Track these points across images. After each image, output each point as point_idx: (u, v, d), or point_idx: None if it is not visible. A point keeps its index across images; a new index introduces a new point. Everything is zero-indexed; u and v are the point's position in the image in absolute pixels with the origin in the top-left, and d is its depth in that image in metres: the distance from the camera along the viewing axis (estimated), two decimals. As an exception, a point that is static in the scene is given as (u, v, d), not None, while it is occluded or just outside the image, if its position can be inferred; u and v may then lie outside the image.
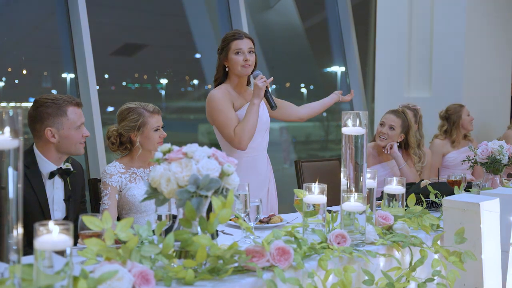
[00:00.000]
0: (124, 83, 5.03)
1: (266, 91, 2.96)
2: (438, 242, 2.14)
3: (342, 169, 2.09)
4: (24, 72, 4.23)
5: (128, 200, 2.68)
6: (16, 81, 4.22)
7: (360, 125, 2.07)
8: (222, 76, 3.09)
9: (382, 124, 3.66)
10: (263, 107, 3.12)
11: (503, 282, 2.25)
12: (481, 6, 5.31)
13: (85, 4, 3.93)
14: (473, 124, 4.76)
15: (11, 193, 1.24)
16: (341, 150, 2.09)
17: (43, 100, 2.42)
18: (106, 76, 4.66)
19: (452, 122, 4.70)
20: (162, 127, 2.78)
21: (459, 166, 4.53)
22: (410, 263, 2.05)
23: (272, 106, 2.98)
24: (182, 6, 5.15)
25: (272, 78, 2.99)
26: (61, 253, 1.28)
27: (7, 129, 1.26)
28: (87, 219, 1.57)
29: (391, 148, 3.61)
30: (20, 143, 1.28)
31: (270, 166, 3.19)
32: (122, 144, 2.75)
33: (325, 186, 2.03)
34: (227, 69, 3.06)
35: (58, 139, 2.40)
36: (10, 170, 1.25)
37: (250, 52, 3.02)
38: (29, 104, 4.19)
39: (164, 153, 1.70)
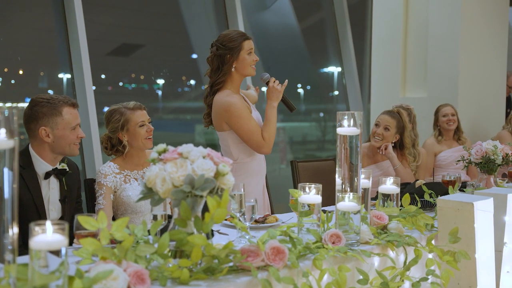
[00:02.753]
0: (120, 84, 5.03)
1: (283, 95, 2.96)
2: (433, 242, 2.15)
3: (337, 169, 2.10)
4: (21, 72, 4.23)
5: (123, 200, 2.69)
6: (13, 81, 4.22)
7: (355, 125, 2.08)
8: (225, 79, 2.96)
9: (377, 125, 3.68)
10: (254, 109, 3.12)
11: (496, 281, 2.27)
12: (476, 8, 5.33)
13: (81, 4, 3.93)
14: (450, 125, 4.69)
15: (6, 193, 1.25)
16: (336, 150, 2.11)
17: (38, 99, 2.42)
18: (103, 76, 4.66)
19: (435, 120, 4.76)
20: (149, 122, 2.76)
21: (452, 166, 4.55)
22: (405, 262, 2.06)
23: (292, 108, 2.99)
24: (178, 7, 5.16)
25: (287, 81, 2.97)
26: (56, 253, 1.28)
27: (2, 129, 1.26)
28: (82, 219, 1.57)
29: (386, 148, 3.63)
30: (16, 143, 1.28)
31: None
32: (113, 147, 2.77)
33: (320, 186, 2.05)
34: (233, 70, 2.94)
35: (52, 139, 2.41)
36: (6, 170, 1.25)
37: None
38: (25, 105, 4.20)
39: (160, 153, 1.70)
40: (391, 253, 2.09)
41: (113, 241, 1.72)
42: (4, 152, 1.26)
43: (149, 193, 1.68)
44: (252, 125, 2.92)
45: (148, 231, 1.72)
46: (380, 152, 3.65)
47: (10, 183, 1.26)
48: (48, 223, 1.27)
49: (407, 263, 2.04)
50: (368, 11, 6.25)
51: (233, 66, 2.94)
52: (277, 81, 2.95)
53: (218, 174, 1.67)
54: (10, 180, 1.26)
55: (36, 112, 2.40)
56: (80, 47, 3.88)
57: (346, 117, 2.08)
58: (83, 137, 2.50)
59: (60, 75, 4.26)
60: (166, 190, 1.64)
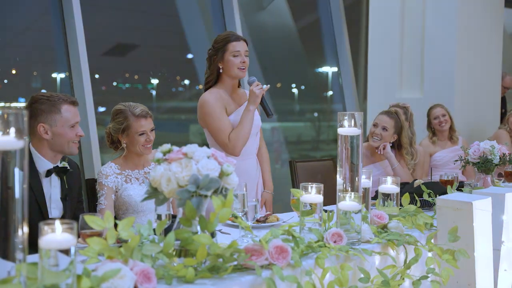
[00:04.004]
0: (115, 83, 5.03)
1: (262, 99, 2.95)
2: (432, 241, 2.18)
3: (338, 169, 2.12)
4: (14, 72, 4.22)
5: (124, 200, 2.70)
6: (5, 81, 4.21)
7: (356, 125, 2.11)
8: (214, 79, 3.04)
9: (375, 125, 3.71)
10: (256, 111, 3.13)
11: (494, 279, 2.30)
12: (472, 9, 5.37)
13: (79, 4, 3.93)
14: (443, 126, 4.71)
15: (17, 193, 1.26)
16: (337, 150, 2.13)
17: (38, 96, 2.43)
18: (97, 76, 4.65)
19: (428, 122, 4.79)
20: (152, 130, 2.75)
21: (447, 166, 4.59)
22: (405, 261, 2.08)
23: (268, 114, 2.98)
24: (175, 7, 5.17)
25: (268, 86, 2.97)
26: (65, 251, 1.29)
27: (12, 130, 1.27)
28: (89, 219, 1.58)
29: (384, 148, 3.66)
30: (25, 144, 1.29)
31: (259, 169, 3.20)
32: (113, 143, 2.79)
33: (321, 185, 2.07)
34: (220, 71, 3.02)
35: (51, 136, 2.40)
36: (16, 170, 1.26)
37: (246, 55, 3.02)
38: (19, 105, 4.20)
39: (164, 154, 1.72)
40: (392, 252, 2.11)
41: (117, 241, 1.73)
42: (14, 153, 1.27)
43: (154, 193, 1.70)
44: (221, 124, 2.94)
45: (153, 230, 1.73)
46: (379, 152, 3.68)
47: (20, 183, 1.26)
48: (57, 222, 1.28)
49: (408, 262, 2.07)
50: (364, 11, 6.28)
51: (220, 67, 3.01)
52: (259, 85, 2.94)
53: (222, 174, 1.69)
54: (21, 180, 1.27)
55: (35, 109, 2.40)
56: (79, 47, 3.88)
57: (346, 117, 2.10)
58: (82, 136, 2.49)
59: (54, 75, 4.25)
60: (171, 190, 1.65)
